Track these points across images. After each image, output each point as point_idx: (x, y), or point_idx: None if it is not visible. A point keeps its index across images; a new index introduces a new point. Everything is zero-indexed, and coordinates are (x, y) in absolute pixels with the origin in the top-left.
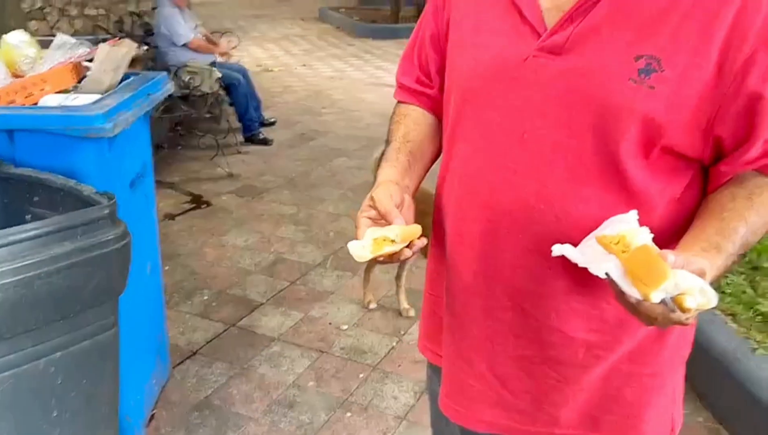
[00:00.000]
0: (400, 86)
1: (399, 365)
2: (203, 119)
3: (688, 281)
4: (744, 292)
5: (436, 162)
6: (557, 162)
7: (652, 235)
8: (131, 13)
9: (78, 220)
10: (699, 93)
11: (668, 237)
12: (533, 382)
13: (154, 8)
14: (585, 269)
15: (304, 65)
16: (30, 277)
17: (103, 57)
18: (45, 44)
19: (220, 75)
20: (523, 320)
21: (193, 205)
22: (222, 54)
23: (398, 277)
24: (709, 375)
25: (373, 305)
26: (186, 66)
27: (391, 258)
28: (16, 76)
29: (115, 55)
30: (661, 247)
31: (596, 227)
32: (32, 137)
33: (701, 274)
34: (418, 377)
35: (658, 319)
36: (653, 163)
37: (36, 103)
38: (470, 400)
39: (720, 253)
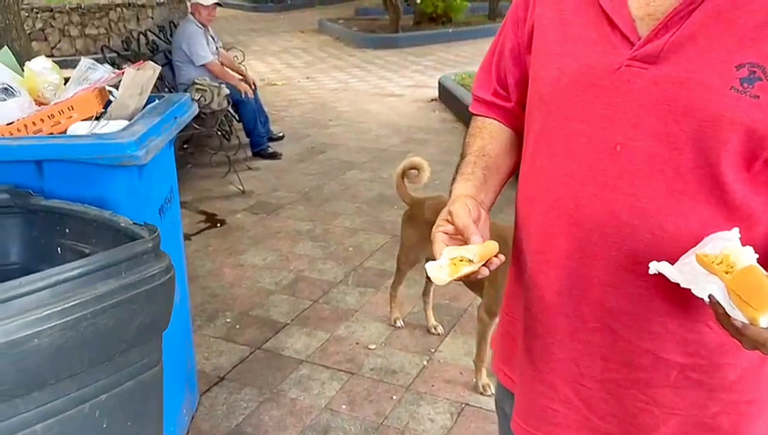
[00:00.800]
0: (477, 99)
1: (432, 385)
2: (212, 137)
3: None
4: None
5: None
6: (653, 175)
7: (757, 255)
8: (139, 33)
9: (122, 255)
10: None
11: None
12: (621, 405)
13: (159, 27)
14: (683, 289)
15: (308, 78)
16: (76, 318)
17: (128, 81)
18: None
19: (228, 92)
20: (612, 342)
21: (208, 225)
22: (243, 89)
23: (425, 293)
24: None
25: (399, 323)
26: (195, 84)
27: (467, 277)
28: (39, 103)
29: (140, 79)
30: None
31: (694, 244)
32: (62, 167)
33: None
34: (453, 397)
35: (765, 345)
36: (755, 177)
37: (64, 132)
38: (554, 425)
39: None
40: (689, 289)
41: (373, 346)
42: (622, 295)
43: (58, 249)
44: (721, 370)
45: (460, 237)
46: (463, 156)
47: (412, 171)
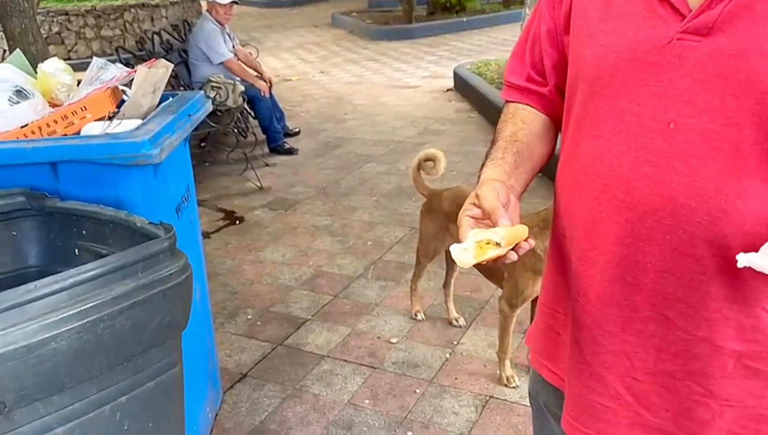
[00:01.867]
0: (509, 85)
1: (455, 378)
2: (228, 134)
3: None
4: None
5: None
6: (710, 153)
7: None
8: (153, 33)
9: (138, 255)
10: None
11: None
12: (675, 399)
13: (173, 26)
14: (741, 274)
15: (322, 72)
16: (93, 320)
17: (141, 80)
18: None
19: (243, 88)
20: (666, 331)
21: (227, 222)
22: (261, 87)
23: (446, 286)
24: None
25: (421, 316)
26: (210, 81)
27: (495, 261)
28: (52, 104)
29: (153, 78)
30: None
31: (756, 224)
32: (76, 168)
33: None
34: (477, 390)
35: None
36: None
37: (78, 132)
38: (604, 422)
39: None
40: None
41: (394, 340)
42: (677, 281)
43: (76, 250)
44: None
45: (487, 221)
46: (493, 142)
47: (428, 162)
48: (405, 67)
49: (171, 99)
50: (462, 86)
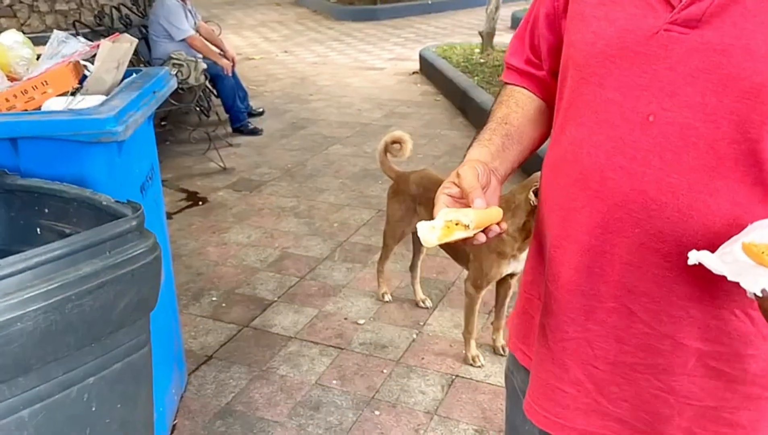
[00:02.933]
0: (509, 67)
1: (422, 358)
2: (190, 113)
3: None
4: None
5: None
6: (686, 149)
7: None
8: (112, 7)
9: (106, 234)
10: None
11: None
12: (634, 391)
13: (132, 0)
14: (710, 274)
15: (286, 52)
16: (60, 300)
17: (105, 55)
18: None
19: (205, 66)
20: (629, 324)
21: (190, 203)
22: (224, 65)
23: (413, 268)
24: None
25: (388, 297)
26: (171, 58)
27: (463, 242)
28: (11, 79)
29: (116, 53)
30: None
31: (724, 225)
32: (38, 145)
33: None
34: (443, 370)
35: None
36: None
37: (39, 108)
38: (563, 407)
39: None
40: (725, 277)
41: (362, 321)
42: (643, 275)
43: (38, 229)
44: (743, 360)
45: (464, 200)
46: (486, 123)
47: (395, 145)
48: (370, 48)
49: (134, 75)
50: (427, 69)
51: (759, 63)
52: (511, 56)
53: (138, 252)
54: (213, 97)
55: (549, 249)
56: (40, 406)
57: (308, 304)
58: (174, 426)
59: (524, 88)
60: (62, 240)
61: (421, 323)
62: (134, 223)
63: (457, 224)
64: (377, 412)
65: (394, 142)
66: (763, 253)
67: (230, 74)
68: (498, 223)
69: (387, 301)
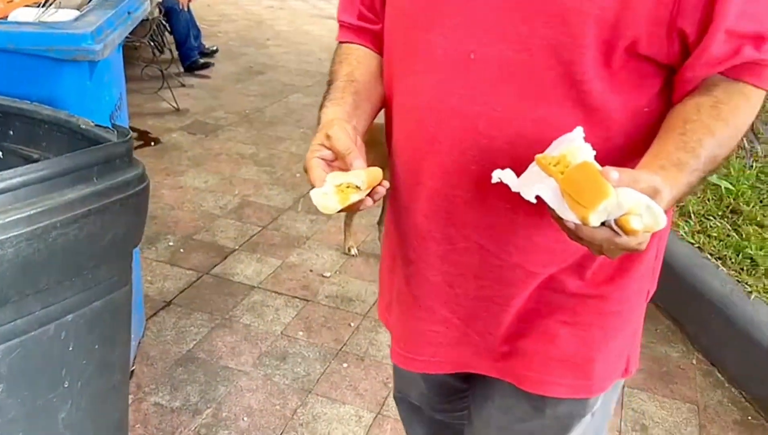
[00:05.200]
0: (342, 25)
1: None
2: (140, 48)
3: (631, 199)
4: (728, 235)
5: None
6: (506, 81)
7: (594, 153)
8: None
9: (92, 158)
10: None
11: (635, 155)
12: (497, 322)
13: None
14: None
15: None
16: (45, 226)
17: None
18: None
19: None
20: (481, 259)
21: (141, 142)
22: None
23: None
24: (702, 318)
25: (354, 251)
26: None
27: (351, 208)
28: None
29: None
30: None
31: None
32: (3, 58)
33: (654, 193)
34: None
35: (603, 246)
36: (617, 73)
37: (5, 18)
38: (435, 345)
39: (682, 170)
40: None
41: (327, 274)
42: (486, 211)
43: (0, 153)
44: (585, 276)
45: (337, 163)
46: (330, 83)
47: None
48: None
49: None
50: None
51: None
52: (342, 13)
53: (127, 180)
54: (167, 34)
55: (401, 201)
56: (15, 342)
57: (271, 254)
58: (132, 372)
59: (361, 44)
60: (44, 161)
61: None
62: (123, 148)
63: (348, 187)
64: (345, 365)
65: None
66: (550, 164)
67: (185, 8)
68: (380, 183)
69: (353, 255)
